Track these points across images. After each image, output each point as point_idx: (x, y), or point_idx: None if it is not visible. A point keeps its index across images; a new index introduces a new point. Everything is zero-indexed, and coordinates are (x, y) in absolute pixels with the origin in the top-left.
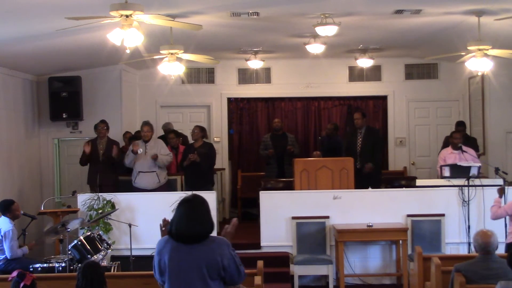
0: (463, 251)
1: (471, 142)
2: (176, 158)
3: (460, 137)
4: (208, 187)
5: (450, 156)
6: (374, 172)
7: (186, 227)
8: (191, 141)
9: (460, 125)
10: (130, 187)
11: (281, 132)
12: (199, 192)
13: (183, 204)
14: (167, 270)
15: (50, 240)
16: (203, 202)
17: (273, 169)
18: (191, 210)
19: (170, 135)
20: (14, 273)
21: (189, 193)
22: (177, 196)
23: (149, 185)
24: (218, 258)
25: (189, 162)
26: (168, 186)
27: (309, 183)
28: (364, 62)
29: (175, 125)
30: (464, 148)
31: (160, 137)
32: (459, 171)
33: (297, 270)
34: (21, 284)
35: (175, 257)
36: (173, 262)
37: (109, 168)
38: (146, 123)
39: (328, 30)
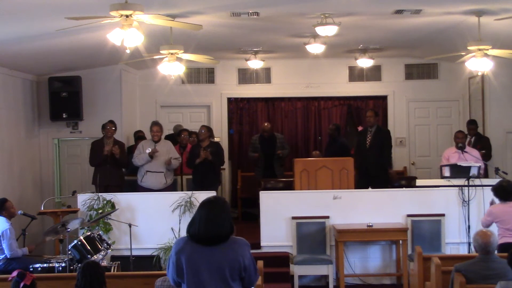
0: (463, 251)
1: (483, 142)
2: (182, 156)
3: (462, 137)
4: (216, 185)
5: (454, 155)
6: (381, 172)
7: (205, 229)
8: None
9: (472, 123)
10: (134, 187)
11: (269, 134)
12: (200, 191)
13: (204, 206)
14: (185, 271)
15: (51, 240)
16: (224, 204)
17: (259, 171)
18: (212, 212)
19: (183, 133)
20: (14, 273)
21: (189, 193)
22: (177, 196)
23: (156, 185)
24: (240, 259)
25: (207, 158)
26: (173, 187)
27: (309, 183)
28: (364, 62)
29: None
30: (466, 148)
31: (167, 137)
32: (459, 171)
33: (297, 270)
34: (21, 284)
35: (195, 259)
36: (192, 263)
37: (115, 168)
38: (156, 123)
39: (328, 30)
